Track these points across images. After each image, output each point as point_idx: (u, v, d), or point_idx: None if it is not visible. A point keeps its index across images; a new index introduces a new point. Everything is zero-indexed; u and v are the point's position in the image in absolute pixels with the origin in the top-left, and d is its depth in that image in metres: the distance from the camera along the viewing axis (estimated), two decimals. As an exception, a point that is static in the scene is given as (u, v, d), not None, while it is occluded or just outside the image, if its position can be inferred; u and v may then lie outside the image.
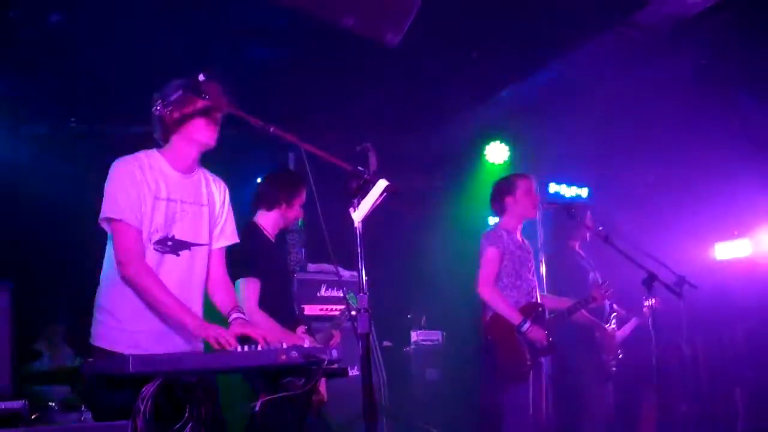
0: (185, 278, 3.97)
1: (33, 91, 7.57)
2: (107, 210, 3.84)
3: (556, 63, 7.86)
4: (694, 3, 6.81)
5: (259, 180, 5.49)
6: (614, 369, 7.07)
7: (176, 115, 3.93)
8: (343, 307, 6.08)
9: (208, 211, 4.11)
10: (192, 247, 4.01)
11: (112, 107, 8.00)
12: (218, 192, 4.19)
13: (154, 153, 4.01)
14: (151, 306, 3.82)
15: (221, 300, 4.14)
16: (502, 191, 6.40)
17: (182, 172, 4.02)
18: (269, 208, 5.36)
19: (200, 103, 3.91)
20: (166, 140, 4.01)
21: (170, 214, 3.94)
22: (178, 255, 3.96)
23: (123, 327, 3.84)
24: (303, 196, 5.40)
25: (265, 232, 5.30)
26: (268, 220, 5.35)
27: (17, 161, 7.95)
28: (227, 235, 4.21)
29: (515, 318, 6.06)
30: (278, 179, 5.48)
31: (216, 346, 3.59)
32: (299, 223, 8.45)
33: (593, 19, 7.04)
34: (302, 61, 7.50)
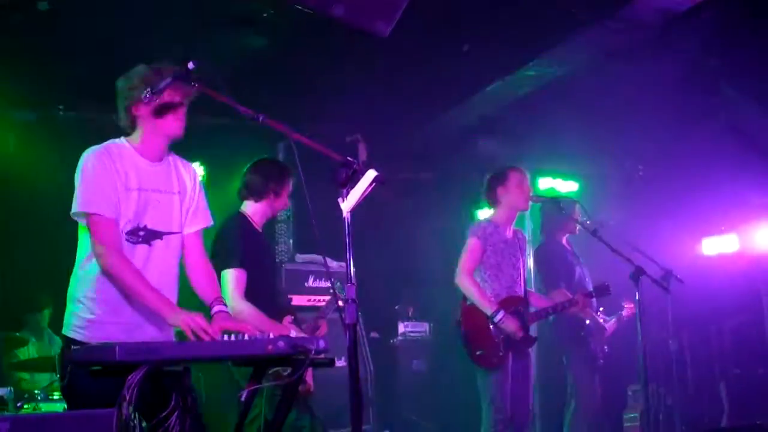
0: (158, 268, 3.95)
1: (20, 78, 7.52)
2: (82, 204, 3.81)
3: (546, 56, 7.86)
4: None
5: (245, 170, 5.45)
6: (601, 362, 7.09)
7: (157, 104, 3.91)
8: (329, 297, 6.07)
9: (179, 198, 4.08)
10: (164, 236, 3.99)
11: (100, 94, 7.93)
12: (188, 177, 4.17)
13: (123, 143, 3.99)
14: (129, 296, 3.80)
15: (203, 290, 4.11)
16: (494, 183, 6.40)
17: (152, 160, 4.00)
18: (258, 199, 5.33)
19: (180, 94, 3.92)
20: (134, 129, 4.00)
21: (141, 204, 3.92)
22: (150, 245, 3.94)
23: (95, 319, 3.80)
24: (290, 186, 5.39)
25: (252, 223, 5.28)
26: (256, 211, 5.33)
27: (4, 148, 7.91)
28: (199, 219, 4.18)
29: (489, 308, 6.07)
30: (266, 169, 5.43)
31: (190, 335, 3.57)
32: (288, 215, 8.45)
33: (583, 13, 7.04)
34: (292, 50, 7.48)
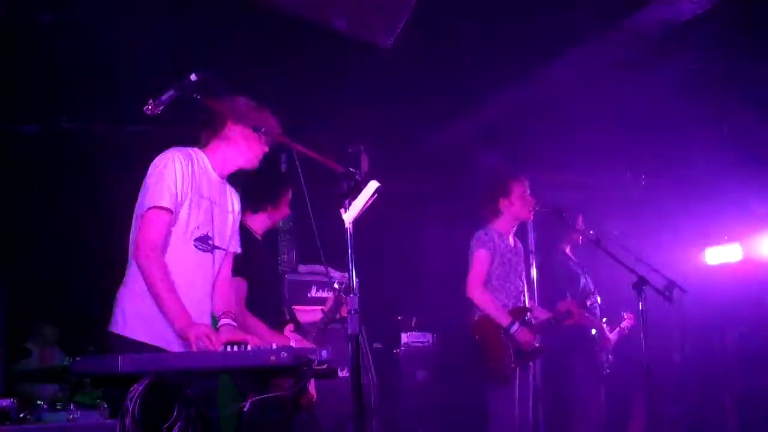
0: (210, 279, 4.07)
1: (24, 90, 7.54)
2: (151, 199, 3.85)
3: (547, 67, 7.87)
4: (684, 9, 6.82)
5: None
6: (607, 371, 7.08)
7: (244, 122, 4.03)
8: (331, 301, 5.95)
9: (232, 218, 4.23)
10: (219, 251, 4.12)
11: (103, 106, 7.98)
12: (237, 202, 4.32)
13: (200, 152, 4.10)
14: (152, 295, 3.82)
15: (216, 302, 4.16)
16: (496, 193, 6.38)
17: (220, 176, 4.14)
18: (254, 211, 5.32)
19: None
20: (209, 141, 4.12)
21: (210, 214, 4.02)
22: (213, 254, 4.05)
23: (150, 317, 3.84)
24: (289, 195, 5.37)
25: (252, 233, 5.28)
26: (255, 221, 5.33)
27: (8, 160, 7.92)
28: (235, 243, 4.30)
29: (504, 320, 6.06)
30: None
31: (194, 348, 3.58)
32: (290, 225, 8.45)
33: (585, 23, 7.05)
34: (294, 62, 7.49)
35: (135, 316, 3.87)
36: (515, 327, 6.04)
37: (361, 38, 6.34)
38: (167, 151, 3.96)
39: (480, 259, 6.18)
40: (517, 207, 6.33)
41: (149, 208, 3.83)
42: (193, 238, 3.94)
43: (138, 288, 3.87)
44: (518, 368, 6.10)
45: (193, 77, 3.77)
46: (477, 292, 6.12)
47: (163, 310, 3.80)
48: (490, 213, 6.43)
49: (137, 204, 3.93)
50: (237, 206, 4.30)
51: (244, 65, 7.42)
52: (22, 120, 8.15)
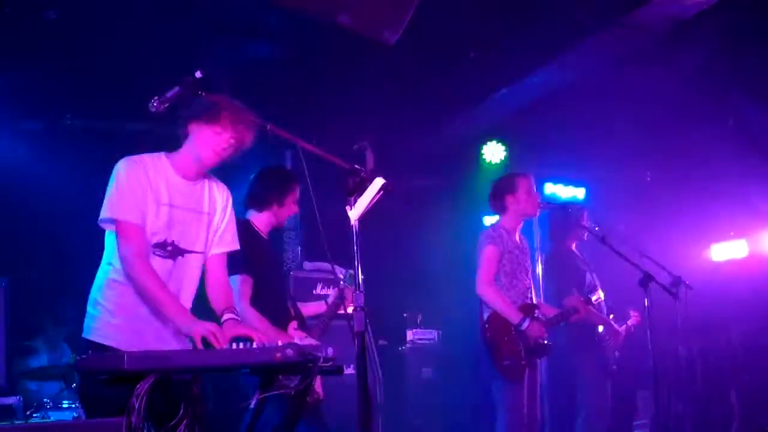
0: (177, 284, 4.01)
1: (28, 87, 7.54)
2: (111, 210, 3.86)
3: (553, 63, 7.85)
4: (691, 4, 6.80)
5: (251, 178, 5.43)
6: (614, 367, 7.07)
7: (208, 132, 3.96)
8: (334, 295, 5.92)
9: (208, 218, 4.14)
10: (186, 254, 4.04)
11: (107, 104, 7.98)
12: (221, 198, 4.22)
13: (161, 157, 4.04)
14: (149, 303, 3.84)
15: (216, 300, 4.15)
16: (502, 190, 6.37)
17: (186, 178, 4.05)
18: (260, 208, 5.31)
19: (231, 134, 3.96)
20: (181, 145, 4.06)
21: (170, 220, 3.97)
22: (174, 260, 4.00)
23: (117, 323, 3.85)
24: (296, 194, 5.34)
25: (258, 230, 5.27)
26: (260, 219, 5.31)
27: (13, 157, 7.93)
28: (227, 241, 4.23)
29: (515, 316, 6.05)
30: (268, 179, 5.38)
31: (199, 345, 3.59)
32: (296, 222, 8.45)
33: (591, 19, 7.04)
34: (299, 59, 7.49)
35: (105, 322, 3.89)
36: (526, 323, 6.03)
37: (366, 34, 6.33)
38: (122, 161, 3.95)
39: (489, 256, 6.17)
40: (523, 203, 6.31)
41: (120, 223, 3.85)
42: (151, 245, 3.92)
43: (112, 293, 3.91)
44: (528, 365, 6.10)
45: (197, 74, 3.76)
46: (487, 289, 6.11)
47: (163, 312, 3.82)
48: (496, 209, 6.43)
49: (102, 209, 3.92)
50: (220, 202, 4.20)
51: (249, 64, 7.43)
52: (25, 116, 8.15)
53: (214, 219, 4.16)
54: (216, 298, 4.15)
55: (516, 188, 6.32)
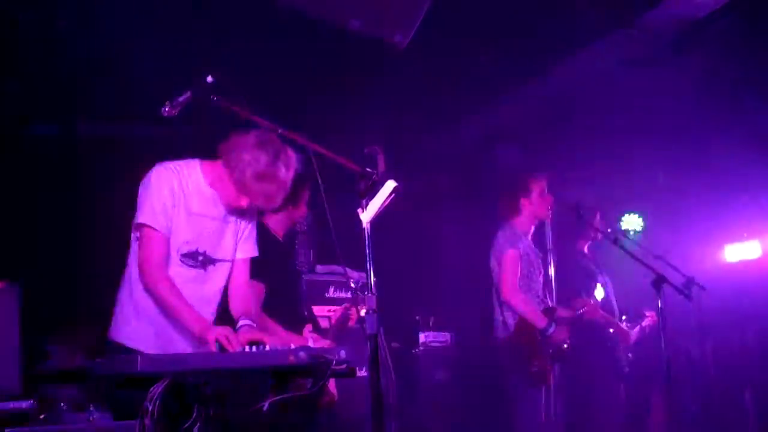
0: (205, 292, 4.08)
1: (39, 92, 7.57)
2: (142, 217, 3.89)
3: (563, 65, 7.85)
4: (701, 6, 6.79)
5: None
6: (627, 369, 7.05)
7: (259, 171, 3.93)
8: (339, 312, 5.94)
9: (235, 226, 4.17)
10: (216, 263, 4.10)
11: (117, 108, 8.00)
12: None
13: (195, 166, 4.06)
14: (165, 311, 3.88)
15: (235, 305, 4.19)
16: (516, 192, 6.35)
17: (217, 189, 4.05)
18: (275, 211, 5.32)
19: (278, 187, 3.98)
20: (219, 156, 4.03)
21: (200, 230, 4.01)
22: (205, 270, 4.05)
23: (140, 324, 3.88)
24: (307, 194, 5.37)
25: (273, 233, 5.28)
26: (275, 221, 5.32)
27: (24, 161, 7.95)
28: (248, 248, 4.27)
29: (541, 322, 6.05)
30: None
31: (214, 349, 3.60)
32: (308, 225, 8.45)
33: (601, 21, 7.03)
34: (310, 62, 7.50)
35: (126, 322, 3.95)
36: (552, 328, 6.03)
37: (376, 37, 6.33)
38: (156, 167, 3.98)
39: (512, 259, 6.13)
40: (536, 205, 6.31)
41: (143, 227, 3.88)
42: (180, 255, 3.96)
43: (131, 296, 3.96)
44: (551, 370, 6.11)
45: (209, 79, 3.78)
46: (515, 295, 6.08)
47: (179, 320, 3.85)
48: (510, 212, 6.40)
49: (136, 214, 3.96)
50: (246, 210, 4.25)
51: (260, 67, 7.43)
52: (37, 121, 8.19)
53: (240, 226, 4.19)
54: (235, 304, 4.19)
55: (530, 191, 6.30)
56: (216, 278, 4.12)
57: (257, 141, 3.90)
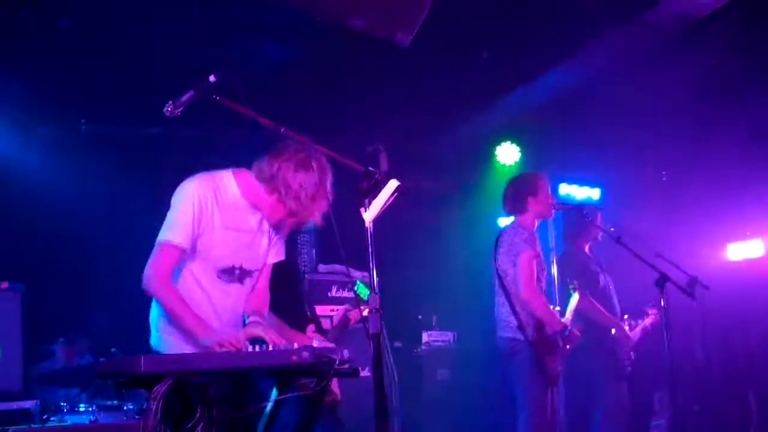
0: (239, 302, 4.08)
1: (44, 93, 7.58)
2: (164, 233, 3.86)
3: (566, 63, 7.85)
4: (705, 3, 6.79)
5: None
6: (629, 369, 7.04)
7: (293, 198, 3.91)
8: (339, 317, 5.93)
9: (268, 236, 4.15)
10: (253, 274, 4.11)
11: (122, 109, 8.02)
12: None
13: (229, 177, 4.01)
14: (170, 317, 3.87)
15: (248, 304, 4.18)
16: (524, 191, 6.29)
17: (250, 203, 4.02)
18: None
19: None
20: (260, 178, 3.99)
21: (236, 244, 3.99)
22: (242, 283, 4.05)
23: (173, 334, 3.90)
24: None
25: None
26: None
27: (29, 163, 7.96)
28: (277, 252, 4.25)
29: (559, 324, 6.04)
30: None
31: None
32: (310, 225, 8.45)
33: (603, 19, 7.03)
34: (312, 61, 7.50)
35: (163, 331, 3.96)
36: (568, 330, 6.03)
37: (379, 37, 6.33)
38: (192, 179, 3.95)
39: (529, 260, 6.06)
40: (543, 205, 6.28)
41: (164, 242, 3.85)
42: (217, 270, 3.95)
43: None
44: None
45: (212, 78, 3.77)
46: (535, 296, 6.03)
47: (184, 327, 3.84)
48: (516, 209, 6.34)
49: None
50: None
51: (263, 66, 7.44)
52: (42, 123, 8.19)
53: (272, 236, 4.18)
54: (249, 303, 4.18)
55: (537, 190, 6.27)
56: (250, 287, 4.13)
57: (297, 161, 3.88)
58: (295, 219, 4.01)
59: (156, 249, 3.88)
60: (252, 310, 4.11)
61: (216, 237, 3.92)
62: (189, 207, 3.86)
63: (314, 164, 3.87)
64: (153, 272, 3.84)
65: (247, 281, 4.08)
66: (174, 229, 3.85)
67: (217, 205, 3.91)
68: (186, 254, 3.89)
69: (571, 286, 6.47)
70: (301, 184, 3.86)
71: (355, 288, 5.35)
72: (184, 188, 3.92)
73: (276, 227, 4.15)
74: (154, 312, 4.01)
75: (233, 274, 3.99)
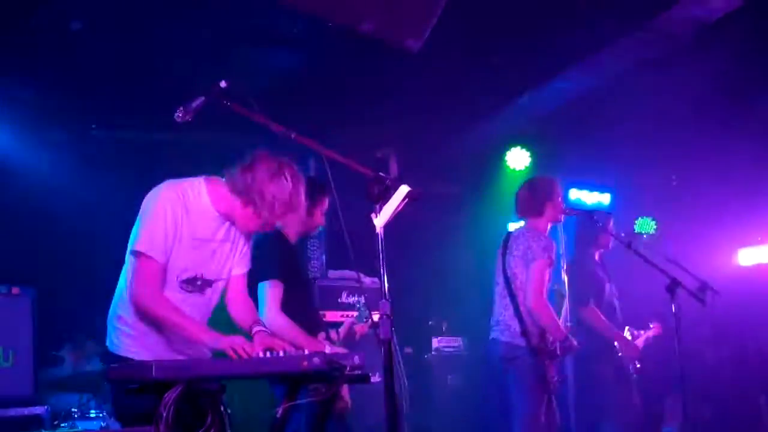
0: (201, 312, 4.00)
1: (53, 98, 7.61)
2: (141, 245, 3.80)
3: (576, 68, 7.83)
4: (714, 9, 6.77)
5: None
6: (634, 376, 7.00)
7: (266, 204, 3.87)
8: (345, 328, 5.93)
9: (232, 245, 4.08)
10: (213, 284, 4.03)
11: (132, 114, 8.04)
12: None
13: (200, 186, 3.96)
14: (168, 330, 3.84)
15: (242, 316, 4.14)
16: (542, 195, 6.22)
17: (219, 212, 3.97)
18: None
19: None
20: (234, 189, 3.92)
21: (201, 254, 3.94)
22: (202, 293, 3.99)
23: (138, 337, 3.84)
24: (324, 204, 5.33)
25: (286, 238, 5.27)
26: (289, 227, 5.31)
27: (40, 168, 7.98)
28: (245, 262, 4.18)
29: (561, 333, 6.01)
30: None
31: (233, 356, 3.58)
32: (320, 231, 8.46)
33: (614, 24, 7.02)
34: (323, 67, 7.51)
35: (128, 335, 3.89)
36: (569, 340, 6.01)
37: (389, 42, 6.33)
38: (160, 187, 3.89)
39: (542, 269, 6.00)
40: (558, 210, 6.24)
41: (139, 255, 3.79)
42: (179, 281, 3.89)
43: (123, 312, 3.91)
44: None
45: (222, 84, 3.77)
46: (543, 306, 5.98)
47: (187, 336, 3.81)
48: (531, 213, 6.28)
49: (132, 233, 3.88)
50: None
51: (273, 72, 7.46)
52: (53, 127, 8.22)
53: (238, 244, 4.11)
54: (242, 316, 4.14)
55: (554, 194, 6.24)
56: (212, 298, 4.06)
57: (270, 172, 3.85)
58: (267, 227, 3.99)
59: (136, 261, 3.81)
60: (251, 321, 4.06)
61: (183, 248, 3.85)
62: (161, 221, 3.79)
63: (287, 173, 3.86)
64: (143, 290, 3.78)
65: (208, 291, 4.00)
66: (151, 242, 3.78)
67: (187, 216, 3.85)
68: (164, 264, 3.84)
69: (556, 286, 6.47)
70: (274, 195, 3.82)
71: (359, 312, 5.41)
72: (156, 197, 3.86)
73: (247, 234, 4.12)
74: (120, 309, 3.94)
75: (195, 284, 3.93)
